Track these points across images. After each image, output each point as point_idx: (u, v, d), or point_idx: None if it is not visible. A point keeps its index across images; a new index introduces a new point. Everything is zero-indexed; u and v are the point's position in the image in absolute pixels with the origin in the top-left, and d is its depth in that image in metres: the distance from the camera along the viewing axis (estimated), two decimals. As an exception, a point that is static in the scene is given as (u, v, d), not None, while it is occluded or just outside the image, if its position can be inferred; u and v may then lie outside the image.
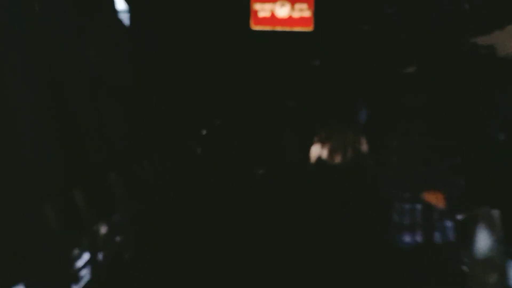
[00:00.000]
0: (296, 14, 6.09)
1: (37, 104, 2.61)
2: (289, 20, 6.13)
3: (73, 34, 3.39)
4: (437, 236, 2.49)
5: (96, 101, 3.92)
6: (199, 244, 3.45)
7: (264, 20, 6.08)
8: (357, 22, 6.80)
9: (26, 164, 2.40)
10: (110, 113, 4.26)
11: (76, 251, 2.63)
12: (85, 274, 2.65)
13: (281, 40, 7.45)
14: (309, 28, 6.37)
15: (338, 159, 3.63)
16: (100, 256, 2.94)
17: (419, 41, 4.04)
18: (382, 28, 5.98)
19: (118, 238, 3.52)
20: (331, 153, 3.66)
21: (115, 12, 4.95)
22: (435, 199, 2.40)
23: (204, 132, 9.27)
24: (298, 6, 6.03)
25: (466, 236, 1.96)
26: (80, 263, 2.68)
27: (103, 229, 3.40)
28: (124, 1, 5.36)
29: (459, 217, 2.29)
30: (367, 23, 6.58)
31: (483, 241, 1.75)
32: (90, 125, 3.79)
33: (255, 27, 6.11)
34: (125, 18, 5.36)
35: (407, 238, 2.56)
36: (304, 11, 6.10)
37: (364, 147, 3.61)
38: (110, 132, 4.37)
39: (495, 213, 1.75)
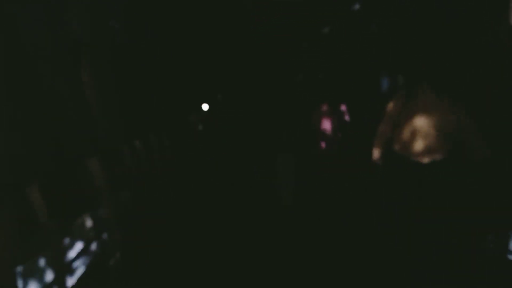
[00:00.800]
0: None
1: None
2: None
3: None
4: None
5: (75, 72, 3.15)
6: (198, 245, 3.01)
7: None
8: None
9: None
10: (92, 87, 3.47)
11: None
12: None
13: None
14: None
15: (431, 150, 2.24)
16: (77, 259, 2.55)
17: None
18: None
19: (103, 236, 2.92)
20: (419, 140, 2.24)
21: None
22: None
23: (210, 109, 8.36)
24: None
25: None
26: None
27: (87, 224, 2.83)
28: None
29: None
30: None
31: None
32: (66, 101, 3.07)
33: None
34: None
35: None
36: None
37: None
38: (90, 109, 3.61)
39: None
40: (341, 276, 2.37)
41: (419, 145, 2.20)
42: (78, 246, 2.72)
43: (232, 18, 7.41)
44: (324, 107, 3.80)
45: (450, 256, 2.27)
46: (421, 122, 2.16)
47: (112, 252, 2.81)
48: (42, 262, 2.24)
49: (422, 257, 2.29)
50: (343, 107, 3.78)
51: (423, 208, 2.23)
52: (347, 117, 3.76)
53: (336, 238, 2.92)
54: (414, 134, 2.20)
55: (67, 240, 2.58)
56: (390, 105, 2.33)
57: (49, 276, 2.25)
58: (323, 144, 3.77)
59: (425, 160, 2.21)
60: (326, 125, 3.77)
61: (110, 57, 4.08)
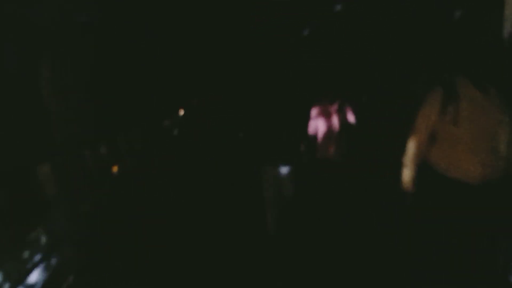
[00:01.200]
0: None
1: None
2: None
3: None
4: None
5: (31, 68, 2.84)
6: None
7: None
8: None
9: None
10: (51, 85, 3.12)
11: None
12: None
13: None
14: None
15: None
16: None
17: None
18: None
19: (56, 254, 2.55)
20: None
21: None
22: None
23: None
24: None
25: None
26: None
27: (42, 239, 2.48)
28: None
29: None
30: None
31: None
32: (18, 100, 2.81)
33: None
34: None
35: None
36: None
37: None
38: (47, 108, 3.29)
39: None
40: (341, 276, 2.35)
41: (473, 161, 1.68)
42: (35, 259, 2.39)
43: (217, 14, 7.15)
44: (320, 108, 3.17)
45: (450, 256, 2.18)
46: (472, 129, 1.64)
47: (64, 275, 2.38)
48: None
49: (422, 257, 2.24)
50: (346, 106, 3.18)
51: (423, 208, 2.07)
52: (350, 116, 3.17)
53: (336, 238, 2.88)
54: (465, 148, 1.68)
55: (24, 254, 2.30)
56: (424, 110, 1.76)
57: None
58: (319, 149, 3.21)
59: (481, 179, 1.72)
60: (322, 127, 3.17)
61: (74, 51, 3.68)
